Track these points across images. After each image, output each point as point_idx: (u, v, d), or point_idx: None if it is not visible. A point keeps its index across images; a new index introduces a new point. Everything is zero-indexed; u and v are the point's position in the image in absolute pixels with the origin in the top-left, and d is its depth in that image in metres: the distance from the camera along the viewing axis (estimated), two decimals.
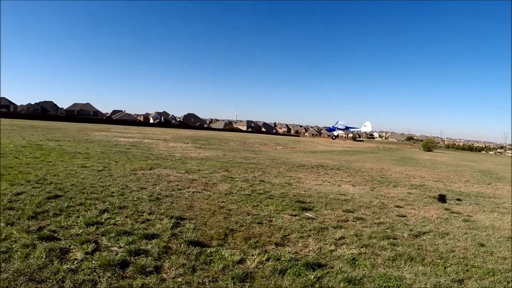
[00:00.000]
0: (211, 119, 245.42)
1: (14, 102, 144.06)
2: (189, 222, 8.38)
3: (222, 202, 10.75)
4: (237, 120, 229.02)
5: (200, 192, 11.92)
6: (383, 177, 21.20)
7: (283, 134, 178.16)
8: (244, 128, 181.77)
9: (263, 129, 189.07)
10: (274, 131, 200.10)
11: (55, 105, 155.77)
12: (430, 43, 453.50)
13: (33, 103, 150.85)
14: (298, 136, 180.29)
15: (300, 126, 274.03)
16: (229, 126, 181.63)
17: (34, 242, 6.48)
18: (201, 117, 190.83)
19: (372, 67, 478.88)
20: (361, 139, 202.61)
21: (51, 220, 7.83)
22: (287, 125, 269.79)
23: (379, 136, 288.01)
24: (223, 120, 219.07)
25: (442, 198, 15.32)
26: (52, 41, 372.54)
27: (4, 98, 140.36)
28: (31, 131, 43.33)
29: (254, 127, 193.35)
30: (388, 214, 11.22)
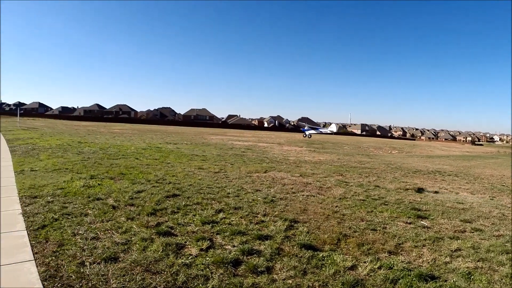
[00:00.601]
0: (325, 123, 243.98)
1: (134, 108, 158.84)
2: (303, 225, 8.35)
3: (336, 206, 10.53)
4: (351, 124, 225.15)
5: (314, 196, 11.83)
6: (504, 185, 19.09)
7: (398, 138, 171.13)
8: (358, 132, 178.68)
9: (378, 133, 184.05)
10: (389, 134, 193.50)
11: (173, 110, 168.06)
12: None
13: (152, 109, 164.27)
14: (414, 139, 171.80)
15: (416, 129, 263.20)
16: (343, 130, 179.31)
17: (152, 236, 7.00)
18: (315, 121, 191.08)
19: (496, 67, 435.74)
20: (481, 143, 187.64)
21: (169, 217, 8.38)
22: (402, 128, 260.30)
23: (500, 139, 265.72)
24: (337, 124, 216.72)
25: (419, 190, 14.66)
26: (175, 51, 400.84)
27: (125, 105, 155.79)
28: (151, 134, 47.14)
29: (368, 131, 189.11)
30: (508, 226, 10.05)
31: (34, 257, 5.97)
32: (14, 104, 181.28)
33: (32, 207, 8.92)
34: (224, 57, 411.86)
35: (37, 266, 5.63)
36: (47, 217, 8.05)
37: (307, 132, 66.34)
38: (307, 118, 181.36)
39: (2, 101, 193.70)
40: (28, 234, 7.12)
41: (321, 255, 6.53)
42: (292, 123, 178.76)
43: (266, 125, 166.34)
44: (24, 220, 7.95)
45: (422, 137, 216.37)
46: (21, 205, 9.22)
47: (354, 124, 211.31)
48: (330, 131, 75.03)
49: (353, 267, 6.14)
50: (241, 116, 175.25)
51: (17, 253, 6.16)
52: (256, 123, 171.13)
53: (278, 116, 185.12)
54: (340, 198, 11.69)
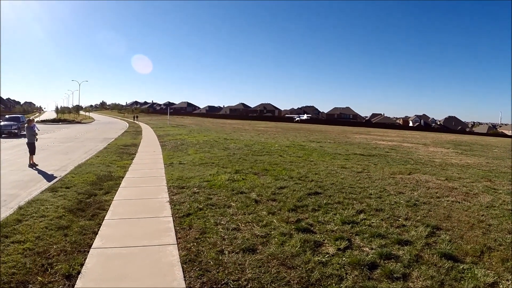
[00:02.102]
0: (473, 123, 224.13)
1: (278, 107, 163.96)
2: (445, 233, 7.80)
3: (482, 215, 9.58)
4: (502, 124, 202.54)
5: (459, 202, 10.94)
6: None
7: None
8: (510, 133, 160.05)
9: None
10: None
11: (316, 109, 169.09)
12: None
13: (296, 107, 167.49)
14: None
15: None
16: (493, 131, 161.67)
17: (291, 232, 7.22)
18: (463, 120, 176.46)
19: None
20: None
21: (309, 214, 8.57)
22: None
23: None
24: (486, 124, 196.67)
25: None
26: (319, 49, 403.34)
27: (269, 104, 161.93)
28: (294, 133, 48.05)
29: None
30: None
31: (177, 242, 6.64)
32: (164, 104, 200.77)
33: (179, 196, 9.87)
34: (370, 56, 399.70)
35: (178, 250, 6.25)
36: (192, 206, 8.84)
37: (296, 119, 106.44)
38: (454, 117, 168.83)
39: (154, 101, 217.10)
40: (173, 220, 7.94)
41: (461, 267, 6.07)
42: (439, 123, 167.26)
43: (411, 124, 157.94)
44: (171, 208, 8.86)
45: None
46: (168, 194, 10.28)
47: (505, 124, 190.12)
48: (304, 118, 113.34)
49: (493, 284, 5.58)
50: (385, 115, 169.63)
51: (162, 236, 6.91)
52: (400, 122, 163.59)
53: (424, 115, 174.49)
54: (487, 206, 10.65)
